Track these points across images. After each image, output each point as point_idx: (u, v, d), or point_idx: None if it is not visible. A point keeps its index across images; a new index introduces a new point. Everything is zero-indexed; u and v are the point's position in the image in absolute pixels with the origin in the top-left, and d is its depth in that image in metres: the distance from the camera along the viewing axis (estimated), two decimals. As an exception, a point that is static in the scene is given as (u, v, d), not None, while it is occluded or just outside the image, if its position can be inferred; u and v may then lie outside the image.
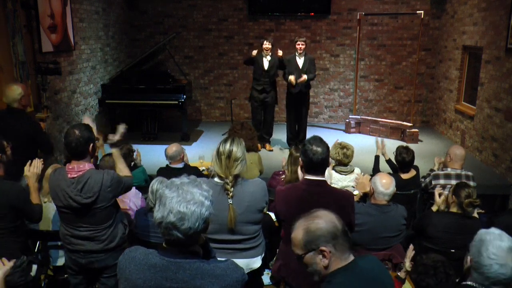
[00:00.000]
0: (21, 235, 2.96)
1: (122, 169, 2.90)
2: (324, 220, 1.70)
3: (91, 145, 2.67)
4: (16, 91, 3.90)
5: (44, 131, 4.38)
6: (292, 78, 6.29)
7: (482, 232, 1.92)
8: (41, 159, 3.02)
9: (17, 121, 3.89)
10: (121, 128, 2.98)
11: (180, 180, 1.58)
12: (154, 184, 1.64)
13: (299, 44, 6.39)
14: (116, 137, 2.94)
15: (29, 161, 2.97)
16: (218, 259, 1.73)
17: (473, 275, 1.91)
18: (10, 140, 3.10)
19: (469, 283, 1.92)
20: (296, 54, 6.45)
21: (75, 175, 2.63)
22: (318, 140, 2.55)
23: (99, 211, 2.68)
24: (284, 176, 3.85)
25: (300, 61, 6.44)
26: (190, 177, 1.61)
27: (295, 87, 6.38)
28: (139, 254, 1.60)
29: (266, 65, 6.44)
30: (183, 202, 1.51)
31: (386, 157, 4.57)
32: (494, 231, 1.90)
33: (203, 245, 1.69)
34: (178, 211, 1.50)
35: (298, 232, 1.71)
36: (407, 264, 2.74)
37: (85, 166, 2.66)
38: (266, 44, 6.39)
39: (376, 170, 4.41)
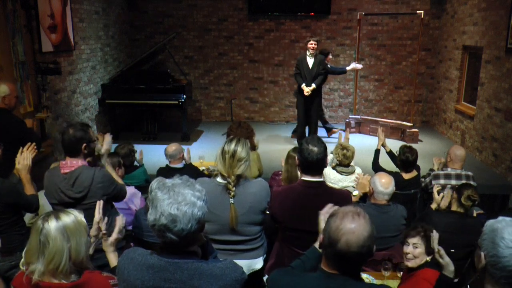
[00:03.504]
0: (22, 227, 2.98)
1: (115, 178, 2.92)
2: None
3: (84, 144, 2.71)
4: (0, 89, 3.80)
5: (31, 129, 4.19)
6: (304, 87, 6.38)
7: (491, 222, 1.65)
8: (32, 144, 2.96)
9: None
10: (107, 137, 3.01)
11: (172, 181, 1.58)
12: (154, 184, 1.63)
13: (311, 44, 6.39)
14: (104, 147, 2.95)
15: (20, 150, 2.93)
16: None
17: (492, 276, 1.59)
18: None
19: None
20: (307, 54, 6.44)
21: (68, 171, 2.69)
22: (316, 140, 2.47)
23: (90, 207, 2.68)
24: (284, 176, 3.85)
25: (310, 62, 6.43)
26: (182, 178, 1.60)
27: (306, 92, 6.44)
28: (137, 255, 1.60)
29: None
30: (174, 204, 1.50)
31: (387, 149, 4.55)
32: (505, 218, 1.63)
33: (203, 245, 1.69)
34: (169, 213, 1.49)
35: None
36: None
37: (78, 162, 2.71)
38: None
39: (375, 163, 4.41)
